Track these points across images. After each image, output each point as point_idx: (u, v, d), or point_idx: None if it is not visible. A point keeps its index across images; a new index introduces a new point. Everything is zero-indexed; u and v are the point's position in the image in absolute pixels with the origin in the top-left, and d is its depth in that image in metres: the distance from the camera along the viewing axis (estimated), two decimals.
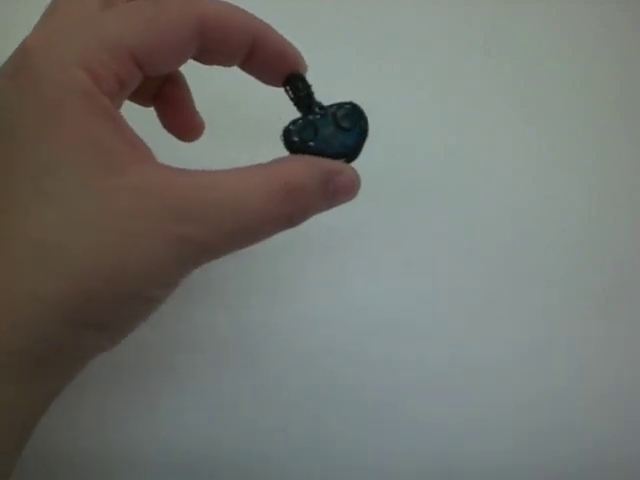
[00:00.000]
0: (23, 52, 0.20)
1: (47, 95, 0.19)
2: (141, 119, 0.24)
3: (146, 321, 0.22)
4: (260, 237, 0.22)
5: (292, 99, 0.24)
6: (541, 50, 0.41)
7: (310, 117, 0.24)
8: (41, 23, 0.22)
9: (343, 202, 0.24)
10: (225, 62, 0.24)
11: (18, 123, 0.20)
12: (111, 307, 0.20)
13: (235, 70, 0.25)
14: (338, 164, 0.23)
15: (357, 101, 0.24)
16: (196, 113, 0.28)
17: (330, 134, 0.24)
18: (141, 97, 0.27)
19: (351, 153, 0.24)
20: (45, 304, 0.19)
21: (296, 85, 0.24)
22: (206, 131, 0.28)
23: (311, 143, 0.23)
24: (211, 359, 0.34)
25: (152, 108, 0.28)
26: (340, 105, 0.24)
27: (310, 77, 0.25)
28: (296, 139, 0.23)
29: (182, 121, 0.28)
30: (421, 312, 0.36)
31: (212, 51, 0.23)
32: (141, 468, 0.32)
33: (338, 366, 0.34)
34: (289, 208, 0.22)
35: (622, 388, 0.36)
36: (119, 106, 0.23)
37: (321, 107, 0.24)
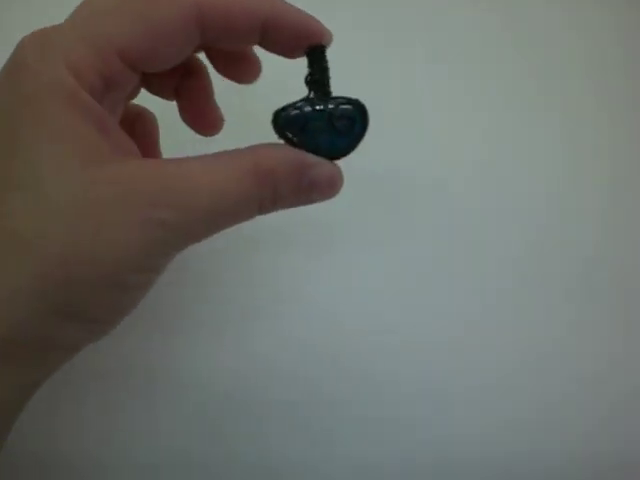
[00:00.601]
0: (19, 49, 0.21)
1: (29, 90, 0.20)
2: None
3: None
4: (235, 219, 0.22)
5: (306, 75, 0.23)
6: (555, 50, 0.40)
7: (305, 107, 0.23)
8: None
9: (321, 199, 0.24)
10: (236, 47, 0.24)
11: (1, 117, 0.21)
12: (87, 295, 0.20)
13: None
14: (316, 158, 0.23)
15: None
16: (215, 107, 0.28)
17: (320, 130, 0.23)
18: (161, 90, 0.27)
19: (338, 155, 0.24)
20: (18, 292, 0.19)
21: (311, 60, 0.23)
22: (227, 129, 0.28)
23: (295, 138, 0.23)
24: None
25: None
26: (342, 102, 0.23)
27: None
28: (281, 127, 0.23)
29: (200, 114, 0.27)
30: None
31: (218, 40, 0.23)
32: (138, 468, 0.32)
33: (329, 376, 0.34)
34: (258, 190, 0.22)
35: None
36: (114, 104, 0.23)
37: (326, 96, 0.23)
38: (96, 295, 0.20)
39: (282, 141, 0.23)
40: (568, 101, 0.40)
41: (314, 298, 0.35)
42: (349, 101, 0.23)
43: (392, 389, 0.34)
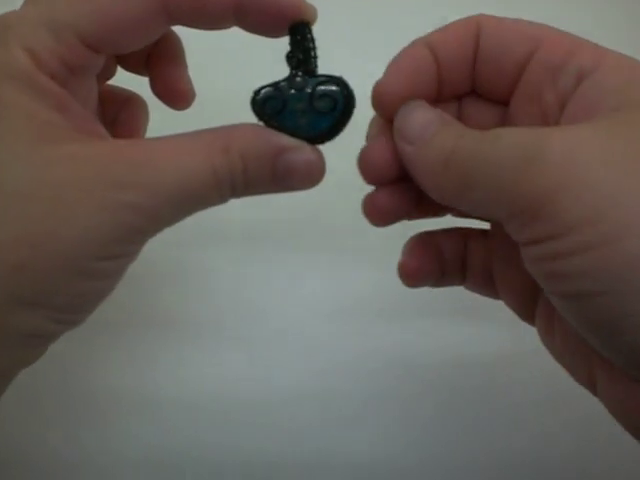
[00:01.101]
0: None
1: None
2: None
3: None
4: (202, 202, 0.21)
5: (287, 53, 0.22)
6: None
7: (283, 86, 0.22)
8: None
9: (299, 186, 0.22)
10: (210, 28, 0.23)
11: None
12: (45, 280, 0.19)
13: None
14: (294, 141, 0.21)
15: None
16: (185, 79, 0.26)
17: (299, 111, 0.22)
18: (134, 67, 0.26)
19: (320, 138, 0.22)
20: None
21: (291, 37, 0.22)
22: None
23: (273, 119, 0.21)
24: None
25: None
26: (322, 81, 0.22)
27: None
28: (258, 108, 0.22)
29: (170, 86, 0.26)
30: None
31: (188, 21, 0.22)
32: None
33: None
34: (228, 170, 0.20)
35: None
36: (84, 86, 0.23)
37: (308, 75, 0.22)
38: (55, 282, 0.19)
39: (261, 123, 0.22)
40: None
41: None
42: (330, 79, 0.22)
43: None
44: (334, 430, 0.32)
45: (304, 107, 0.22)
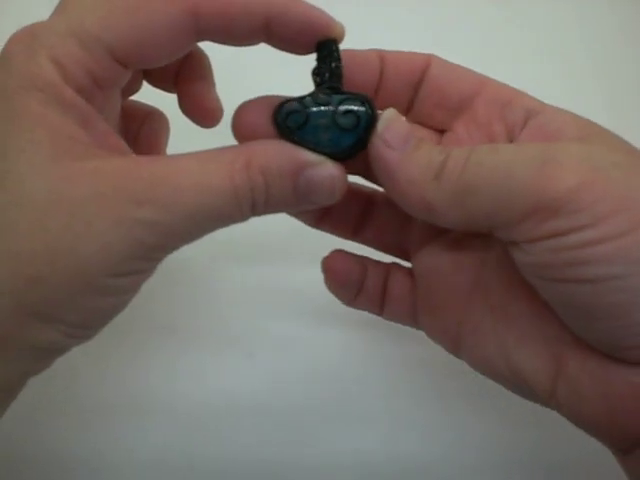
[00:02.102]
0: (8, 44, 0.21)
1: (14, 85, 0.20)
2: None
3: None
4: (222, 221, 0.21)
5: (313, 69, 0.22)
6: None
7: (307, 101, 0.21)
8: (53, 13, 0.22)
9: (320, 202, 0.22)
10: (238, 44, 0.23)
11: None
12: (60, 297, 0.19)
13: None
14: (316, 157, 0.21)
15: None
16: (213, 97, 0.26)
17: (322, 127, 0.21)
18: (160, 82, 0.26)
19: (341, 154, 0.22)
20: None
21: (318, 54, 0.22)
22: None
23: (295, 134, 0.21)
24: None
25: None
26: (347, 98, 0.21)
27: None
28: (280, 122, 0.21)
29: (198, 104, 0.26)
30: None
31: (217, 36, 0.22)
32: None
33: None
34: (249, 188, 0.20)
35: None
36: (109, 100, 0.22)
37: (332, 91, 0.22)
38: (70, 297, 0.19)
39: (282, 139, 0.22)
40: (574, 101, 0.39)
41: None
42: (355, 96, 0.22)
43: None
44: (339, 436, 0.32)
45: (327, 123, 0.21)
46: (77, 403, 0.31)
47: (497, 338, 0.23)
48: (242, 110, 0.23)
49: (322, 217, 0.27)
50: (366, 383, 0.33)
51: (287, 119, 0.21)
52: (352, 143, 0.21)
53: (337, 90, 0.22)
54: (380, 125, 0.21)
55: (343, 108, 0.21)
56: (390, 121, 0.22)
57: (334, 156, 0.22)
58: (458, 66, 0.24)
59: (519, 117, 0.23)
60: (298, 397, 0.33)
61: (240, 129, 0.23)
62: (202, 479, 0.31)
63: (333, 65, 0.22)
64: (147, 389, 0.33)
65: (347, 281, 0.26)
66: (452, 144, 0.25)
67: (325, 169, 0.21)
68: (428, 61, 0.24)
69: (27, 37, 0.20)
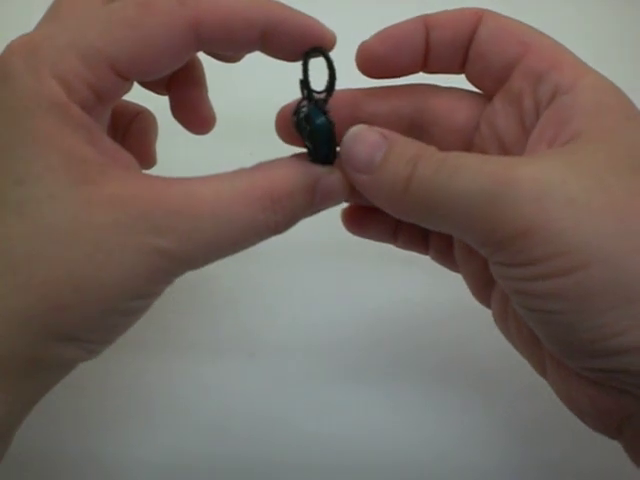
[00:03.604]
0: (7, 57, 0.20)
1: (20, 105, 0.20)
2: None
3: None
4: (243, 246, 0.21)
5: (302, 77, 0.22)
6: None
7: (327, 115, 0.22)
8: (40, 23, 0.22)
9: (330, 206, 0.23)
10: (235, 55, 0.23)
11: None
12: (84, 320, 0.20)
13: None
14: (322, 168, 0.22)
15: None
16: (207, 104, 0.27)
17: (332, 139, 0.22)
18: (153, 85, 0.26)
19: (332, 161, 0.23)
20: (13, 318, 0.19)
21: (303, 64, 0.22)
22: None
23: (315, 146, 0.22)
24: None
25: None
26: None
27: None
28: (297, 122, 0.22)
29: (191, 111, 0.26)
30: None
31: (216, 49, 0.22)
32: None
33: None
34: (274, 217, 0.21)
35: None
36: (103, 113, 0.22)
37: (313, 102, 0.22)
38: (91, 321, 0.20)
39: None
40: None
41: None
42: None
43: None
44: (339, 437, 0.33)
45: (332, 135, 0.22)
46: (77, 404, 0.32)
47: None
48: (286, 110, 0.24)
49: (363, 225, 0.27)
50: (366, 383, 0.34)
51: (302, 121, 0.22)
52: (325, 153, 0.22)
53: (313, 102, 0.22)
54: (343, 148, 0.22)
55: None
56: (350, 142, 0.22)
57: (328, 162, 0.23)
58: (507, 24, 0.23)
59: (547, 94, 0.22)
60: (298, 397, 0.33)
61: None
62: (202, 479, 0.32)
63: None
64: (147, 390, 0.33)
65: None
66: (489, 118, 0.24)
67: (334, 178, 0.22)
68: (477, 19, 0.23)
69: (27, 52, 0.20)
